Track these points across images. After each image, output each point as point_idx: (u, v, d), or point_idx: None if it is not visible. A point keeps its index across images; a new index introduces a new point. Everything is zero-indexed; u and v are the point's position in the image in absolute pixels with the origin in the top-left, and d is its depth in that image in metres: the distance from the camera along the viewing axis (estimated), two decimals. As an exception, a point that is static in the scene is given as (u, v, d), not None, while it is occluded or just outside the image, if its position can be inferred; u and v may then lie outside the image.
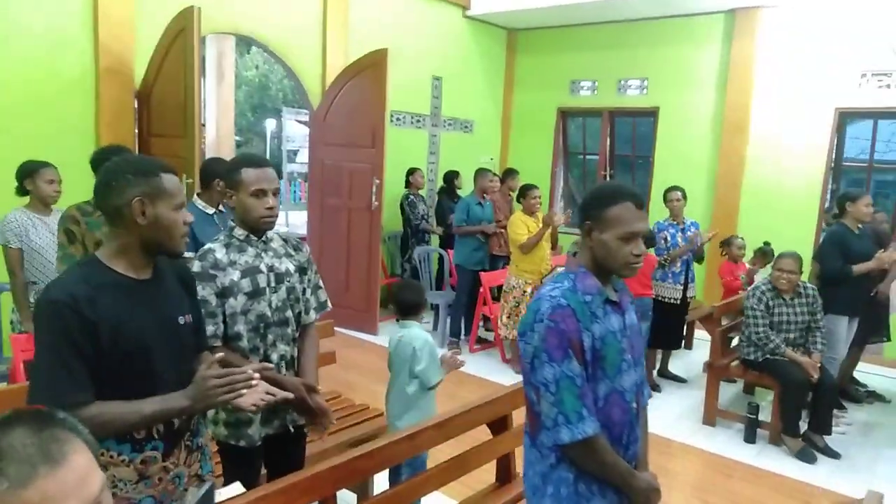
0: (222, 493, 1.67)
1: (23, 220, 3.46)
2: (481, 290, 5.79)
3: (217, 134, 9.06)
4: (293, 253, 2.28)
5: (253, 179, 2.08)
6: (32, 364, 1.52)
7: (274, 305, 2.16)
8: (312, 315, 2.33)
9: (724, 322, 4.71)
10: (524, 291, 5.18)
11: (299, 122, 12.17)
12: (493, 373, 5.34)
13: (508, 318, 5.25)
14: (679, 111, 7.38)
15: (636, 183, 8.24)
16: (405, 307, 2.86)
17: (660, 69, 7.47)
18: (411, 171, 6.73)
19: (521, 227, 5.17)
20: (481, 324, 6.13)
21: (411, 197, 6.60)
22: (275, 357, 2.17)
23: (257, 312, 2.12)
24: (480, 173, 6.14)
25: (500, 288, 5.72)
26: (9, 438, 0.81)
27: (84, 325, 1.47)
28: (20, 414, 0.85)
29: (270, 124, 19.78)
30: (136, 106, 4.98)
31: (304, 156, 12.76)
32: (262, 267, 2.15)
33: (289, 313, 2.21)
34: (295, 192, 16.59)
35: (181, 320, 1.69)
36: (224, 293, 2.07)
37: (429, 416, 2.66)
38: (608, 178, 8.17)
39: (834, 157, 6.64)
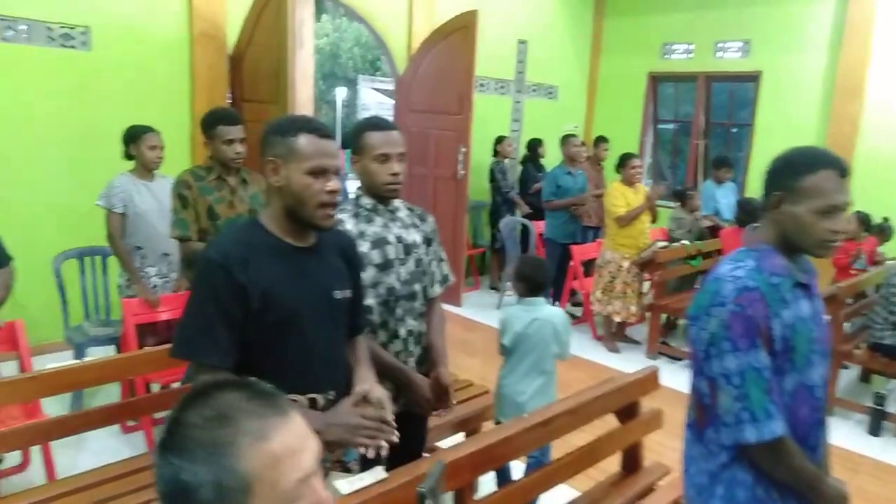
0: (364, 478, 1.57)
1: (127, 185, 3.47)
2: (571, 263, 5.57)
3: (296, 102, 9.03)
4: (419, 223, 2.14)
5: (377, 143, 1.94)
6: (181, 316, 1.50)
7: (402, 278, 2.03)
8: (437, 289, 2.20)
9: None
10: (620, 266, 4.94)
11: (375, 89, 12.08)
12: (584, 350, 5.13)
13: (603, 293, 5.02)
14: (785, 75, 6.83)
15: (732, 152, 7.76)
16: (534, 284, 2.70)
17: (763, 30, 6.91)
18: (499, 140, 6.51)
19: (620, 198, 4.90)
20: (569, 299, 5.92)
21: (501, 164, 6.39)
22: (403, 332, 2.06)
23: (387, 285, 2.00)
24: (566, 140, 5.86)
25: (589, 261, 5.49)
26: (227, 399, 0.76)
27: (234, 287, 1.43)
28: (221, 381, 0.80)
29: (341, 93, 19.81)
30: (228, 71, 4.94)
31: (378, 124, 12.77)
32: (391, 238, 2.02)
33: (417, 286, 2.08)
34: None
35: (337, 294, 1.60)
36: (354, 265, 1.96)
37: (551, 400, 2.52)
38: (701, 147, 7.73)
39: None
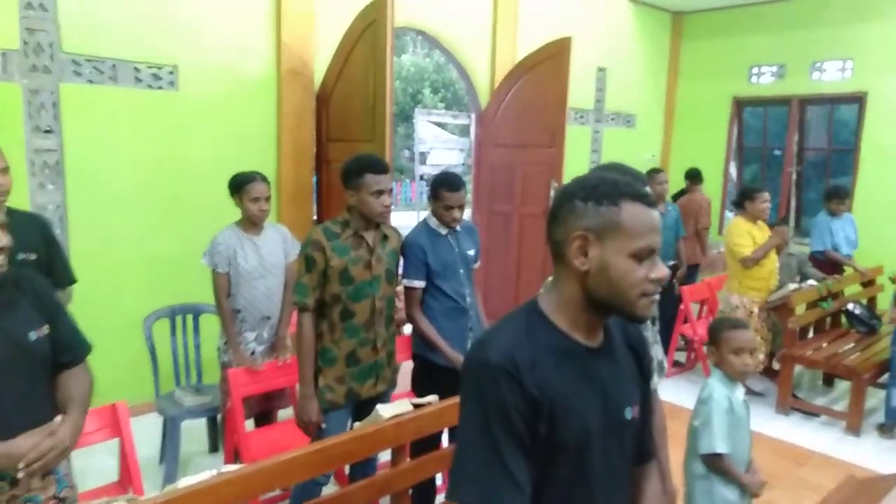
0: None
1: (231, 241, 3.09)
2: (681, 307, 5.08)
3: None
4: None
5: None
6: (457, 442, 1.11)
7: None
8: (655, 379, 1.75)
9: None
10: (751, 312, 4.42)
11: (431, 122, 11.85)
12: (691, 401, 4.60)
13: (727, 342, 4.50)
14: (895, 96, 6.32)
15: (827, 179, 7.23)
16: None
17: (869, 48, 6.41)
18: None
19: (745, 237, 4.40)
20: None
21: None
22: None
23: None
24: (649, 175, 5.39)
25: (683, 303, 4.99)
26: None
27: (524, 401, 1.05)
28: None
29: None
30: (314, 109, 4.63)
31: (434, 157, 12.50)
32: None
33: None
34: (406, 193, 16.43)
35: (628, 413, 1.18)
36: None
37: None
38: (795, 176, 7.20)
39: None
